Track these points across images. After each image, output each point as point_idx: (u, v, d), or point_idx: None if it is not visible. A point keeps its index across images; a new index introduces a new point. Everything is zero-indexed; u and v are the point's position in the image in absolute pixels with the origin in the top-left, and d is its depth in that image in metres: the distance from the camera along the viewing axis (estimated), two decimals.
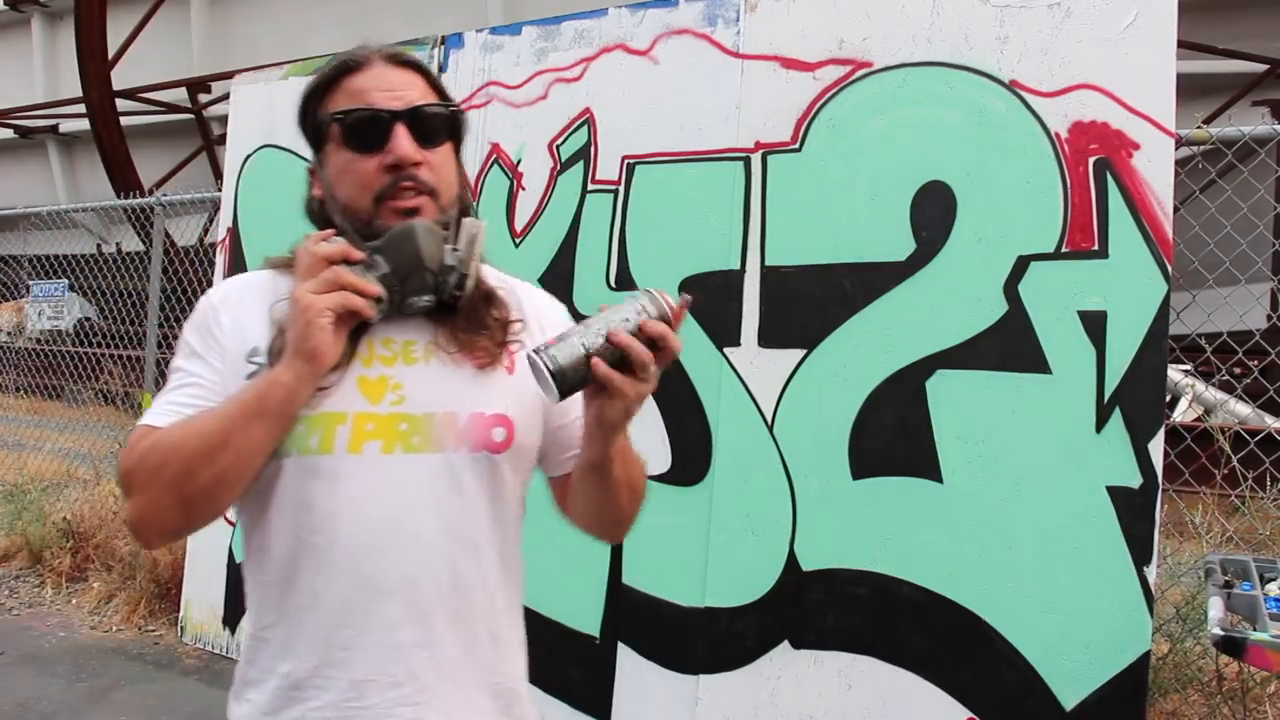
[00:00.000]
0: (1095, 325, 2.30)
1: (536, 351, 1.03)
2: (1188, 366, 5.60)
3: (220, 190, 4.25)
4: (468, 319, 1.16)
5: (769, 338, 2.71)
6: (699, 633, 2.73)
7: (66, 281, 6.92)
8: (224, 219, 4.07)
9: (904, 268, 2.52)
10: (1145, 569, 2.21)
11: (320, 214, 1.18)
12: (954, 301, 2.46)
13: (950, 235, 2.48)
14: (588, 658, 2.89)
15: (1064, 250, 2.35)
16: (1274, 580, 1.98)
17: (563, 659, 2.91)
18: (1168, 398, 2.69)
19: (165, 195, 5.28)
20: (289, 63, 4.03)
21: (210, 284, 4.16)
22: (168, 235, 5.37)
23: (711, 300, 2.78)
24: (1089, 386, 2.29)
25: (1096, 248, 2.32)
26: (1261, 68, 8.32)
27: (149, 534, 1.11)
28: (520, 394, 1.15)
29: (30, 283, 7.49)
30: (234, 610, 3.86)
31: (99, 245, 10.97)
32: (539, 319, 1.25)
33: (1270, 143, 2.69)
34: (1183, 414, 5.79)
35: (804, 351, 2.65)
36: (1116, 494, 2.25)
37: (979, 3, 2.47)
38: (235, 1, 13.27)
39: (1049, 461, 2.33)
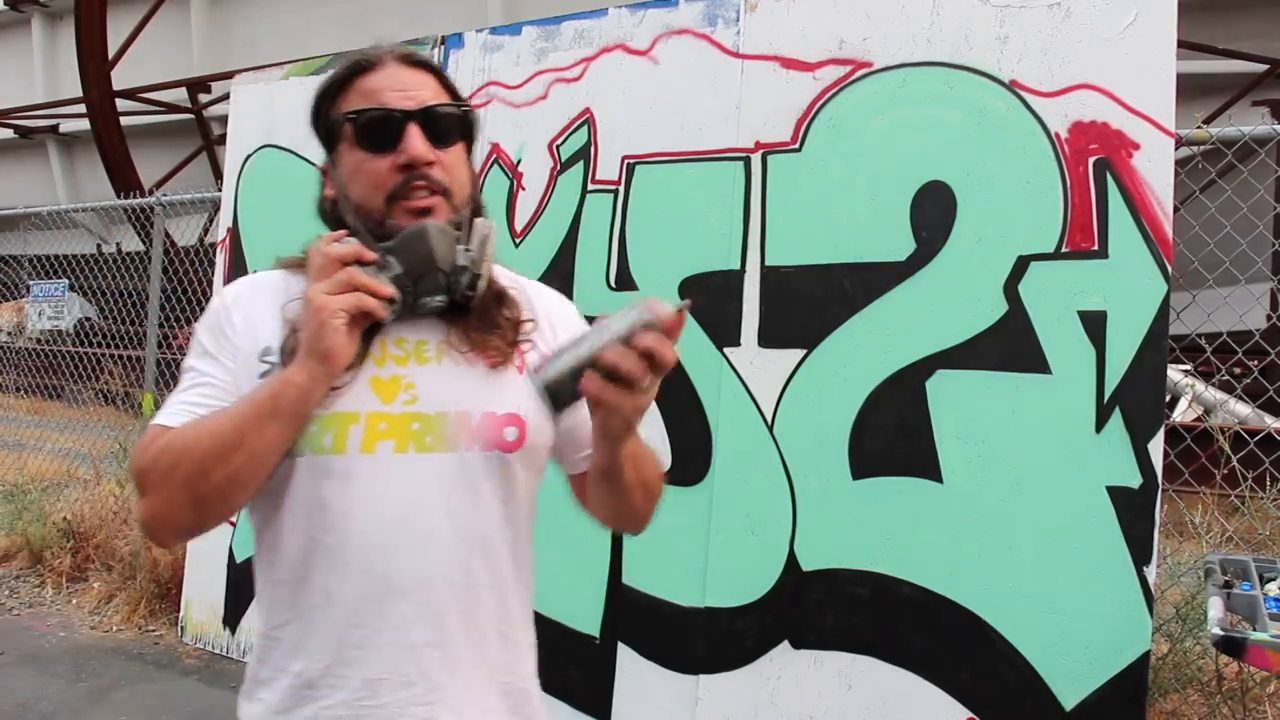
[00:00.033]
0: (1095, 325, 2.30)
1: (532, 370, 1.03)
2: (1188, 366, 5.60)
3: (220, 190, 4.25)
4: (480, 318, 1.16)
5: (769, 338, 2.71)
6: (699, 633, 2.73)
7: (66, 281, 6.93)
8: (224, 219, 4.07)
9: (904, 268, 2.52)
10: (1145, 569, 2.21)
11: (332, 214, 1.18)
12: (954, 301, 2.46)
13: (950, 235, 2.48)
14: (588, 658, 2.90)
15: (1064, 250, 2.35)
16: (1274, 580, 1.98)
17: (563, 659, 2.91)
18: (1168, 398, 2.69)
19: (165, 195, 5.28)
20: (289, 63, 4.03)
21: (210, 284, 4.17)
22: (168, 235, 5.37)
23: (711, 300, 2.78)
24: (1089, 386, 2.30)
25: (1096, 248, 2.32)
26: (1261, 68, 8.32)
27: (162, 533, 1.11)
28: (532, 393, 1.16)
29: (30, 283, 7.49)
30: (234, 610, 3.86)
31: (99, 245, 10.98)
32: (549, 318, 1.26)
33: (1270, 143, 2.69)
34: (1183, 414, 5.79)
35: (804, 351, 2.65)
36: (1116, 494, 2.26)
37: (979, 3, 2.47)
38: (235, 1, 13.27)
39: (1049, 461, 2.33)
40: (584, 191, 3.06)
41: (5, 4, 14.67)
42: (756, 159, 2.75)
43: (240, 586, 3.83)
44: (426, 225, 1.10)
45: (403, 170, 1.12)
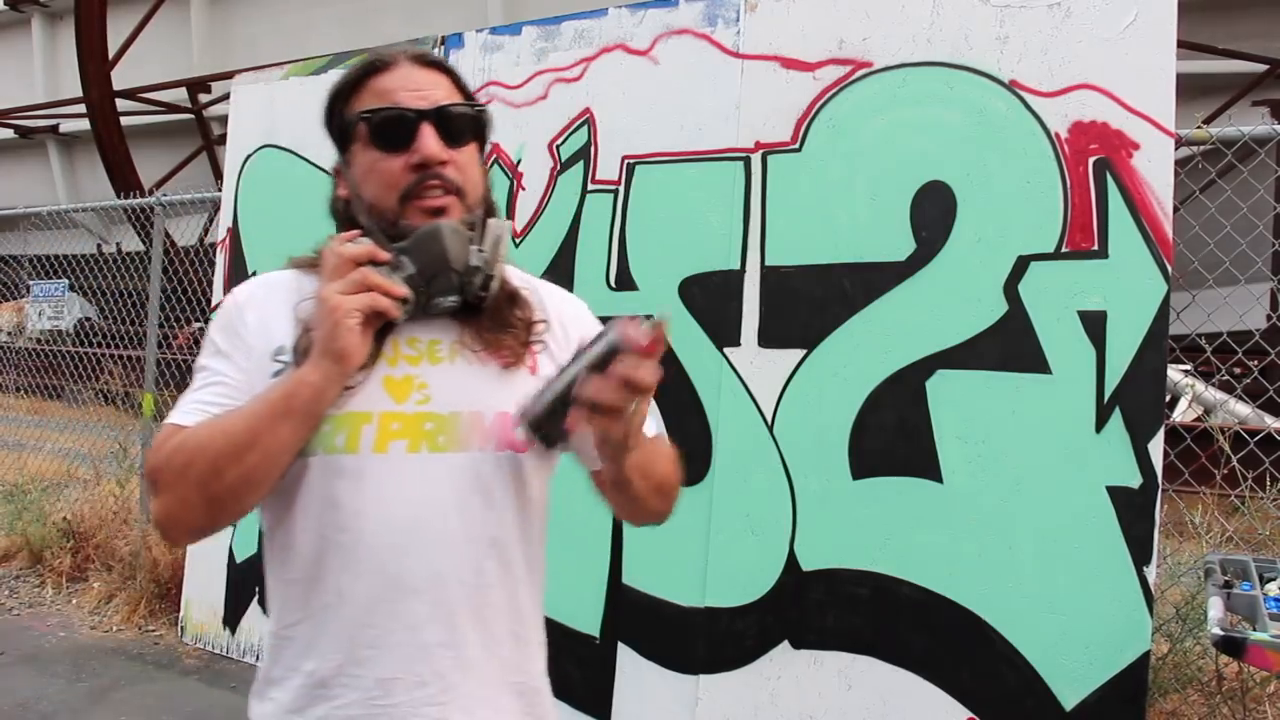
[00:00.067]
0: (1095, 325, 2.30)
1: (517, 414, 1.05)
2: (1188, 366, 5.60)
3: (220, 190, 4.25)
4: (492, 319, 1.17)
5: (769, 338, 2.71)
6: (699, 633, 2.73)
7: (66, 281, 6.92)
8: (224, 219, 4.07)
9: (904, 268, 2.52)
10: (1145, 569, 2.21)
11: (345, 214, 1.18)
12: (954, 301, 2.46)
13: (950, 235, 2.48)
14: (588, 658, 2.90)
15: (1064, 250, 2.35)
16: (1274, 580, 1.98)
17: (563, 659, 2.91)
18: (1168, 398, 2.69)
19: (165, 195, 5.28)
20: (289, 63, 4.03)
21: (210, 284, 4.17)
22: (168, 235, 5.37)
23: (711, 300, 2.78)
24: (1089, 386, 2.30)
25: (1096, 248, 2.32)
26: (1261, 68, 8.32)
27: (176, 532, 1.11)
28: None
29: (30, 283, 7.49)
30: (234, 610, 3.86)
31: (99, 245, 10.99)
32: (561, 318, 1.26)
33: (1270, 143, 2.68)
34: (1183, 414, 5.79)
35: (804, 351, 2.65)
36: (1116, 494, 2.26)
37: (979, 3, 2.47)
38: (235, 1, 13.27)
39: (1049, 461, 2.33)
40: (584, 191, 3.06)
41: (5, 4, 14.67)
42: (756, 159, 2.76)
43: (240, 586, 3.83)
44: (440, 225, 1.10)
45: (416, 169, 1.12)
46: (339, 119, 1.19)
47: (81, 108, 11.98)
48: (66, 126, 14.68)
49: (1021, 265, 2.39)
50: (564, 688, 2.90)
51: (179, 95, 13.02)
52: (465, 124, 1.17)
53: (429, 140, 1.12)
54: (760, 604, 2.66)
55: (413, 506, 1.10)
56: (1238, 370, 3.92)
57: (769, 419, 2.68)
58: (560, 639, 2.91)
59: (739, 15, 2.82)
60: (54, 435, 6.57)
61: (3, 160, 15.99)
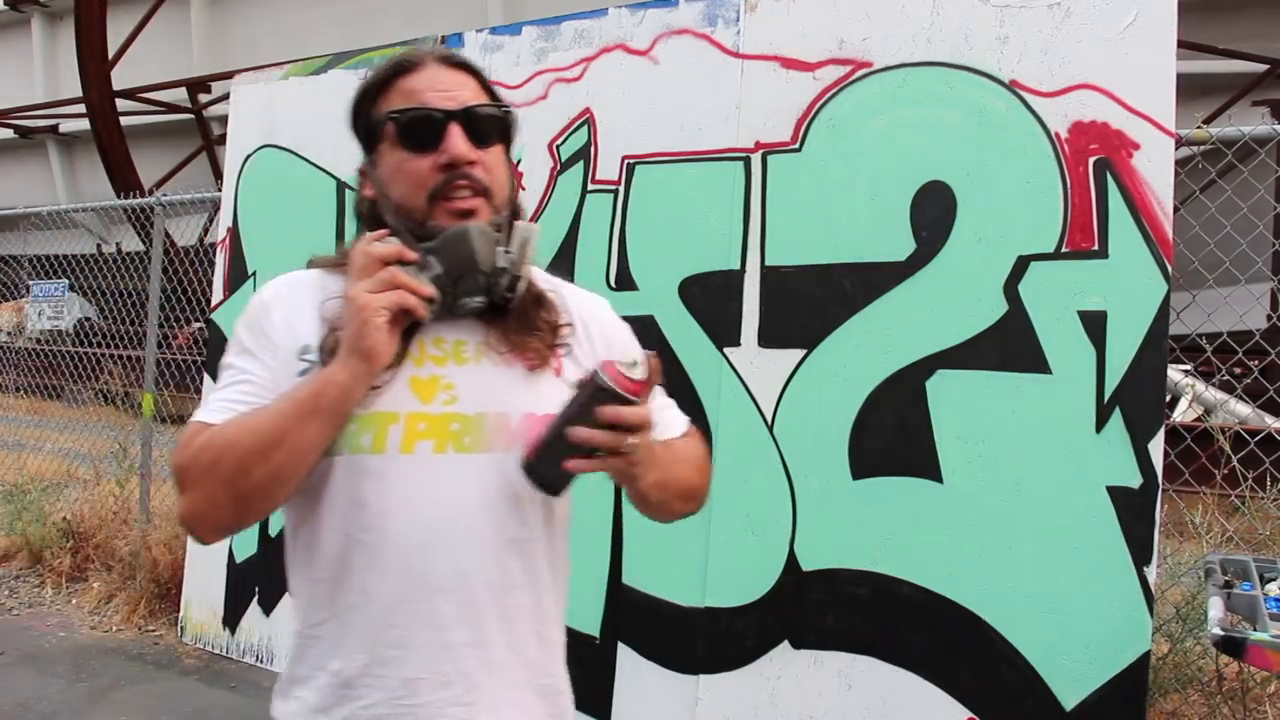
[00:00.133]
0: (1095, 325, 2.30)
1: (522, 462, 1.07)
2: (1188, 366, 5.60)
3: (220, 190, 4.25)
4: (519, 320, 1.17)
5: (769, 338, 2.71)
6: (699, 633, 2.73)
7: (66, 281, 6.92)
8: (224, 219, 4.07)
9: (904, 268, 2.52)
10: (1145, 569, 2.21)
11: (370, 214, 1.19)
12: (954, 301, 2.46)
13: (950, 235, 2.48)
14: (588, 658, 2.89)
15: (1064, 250, 2.35)
16: (1274, 580, 1.98)
17: None
18: (1168, 398, 2.69)
19: (165, 195, 5.28)
20: (289, 63, 4.03)
21: (210, 284, 4.17)
22: (168, 235, 5.37)
23: (711, 300, 2.78)
24: (1089, 386, 2.30)
25: (1096, 248, 2.32)
26: (1261, 68, 8.32)
27: (203, 530, 1.11)
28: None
29: (30, 283, 7.49)
30: (234, 610, 3.86)
31: (99, 245, 10.99)
32: (583, 320, 1.27)
33: (1270, 143, 2.68)
34: (1183, 414, 5.79)
35: (804, 351, 2.65)
36: (1116, 494, 2.26)
37: (979, 3, 2.47)
38: (235, 1, 13.28)
39: (1049, 461, 2.33)
40: (584, 191, 3.06)
41: (5, 4, 14.67)
42: (756, 159, 2.76)
43: (240, 587, 3.83)
44: (468, 226, 1.11)
45: (444, 170, 1.12)
46: (365, 119, 1.19)
47: (81, 108, 11.99)
48: (66, 126, 14.68)
49: (1021, 265, 2.39)
50: None
51: (179, 95, 13.02)
52: (492, 125, 1.17)
53: (457, 140, 1.12)
54: (760, 604, 2.66)
55: (439, 507, 1.10)
56: (1238, 370, 3.92)
57: (769, 419, 2.68)
58: None
59: (739, 15, 2.82)
60: (54, 435, 6.57)
61: (3, 160, 16.00)
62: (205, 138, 13.18)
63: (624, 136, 2.99)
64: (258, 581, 3.76)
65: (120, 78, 11.82)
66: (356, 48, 3.86)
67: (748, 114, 2.78)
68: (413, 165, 1.13)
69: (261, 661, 3.74)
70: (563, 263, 3.05)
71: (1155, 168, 2.27)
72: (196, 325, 7.18)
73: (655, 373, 1.03)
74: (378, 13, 11.60)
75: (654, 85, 2.94)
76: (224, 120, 5.32)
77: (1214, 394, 5.64)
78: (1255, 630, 1.74)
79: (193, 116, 13.14)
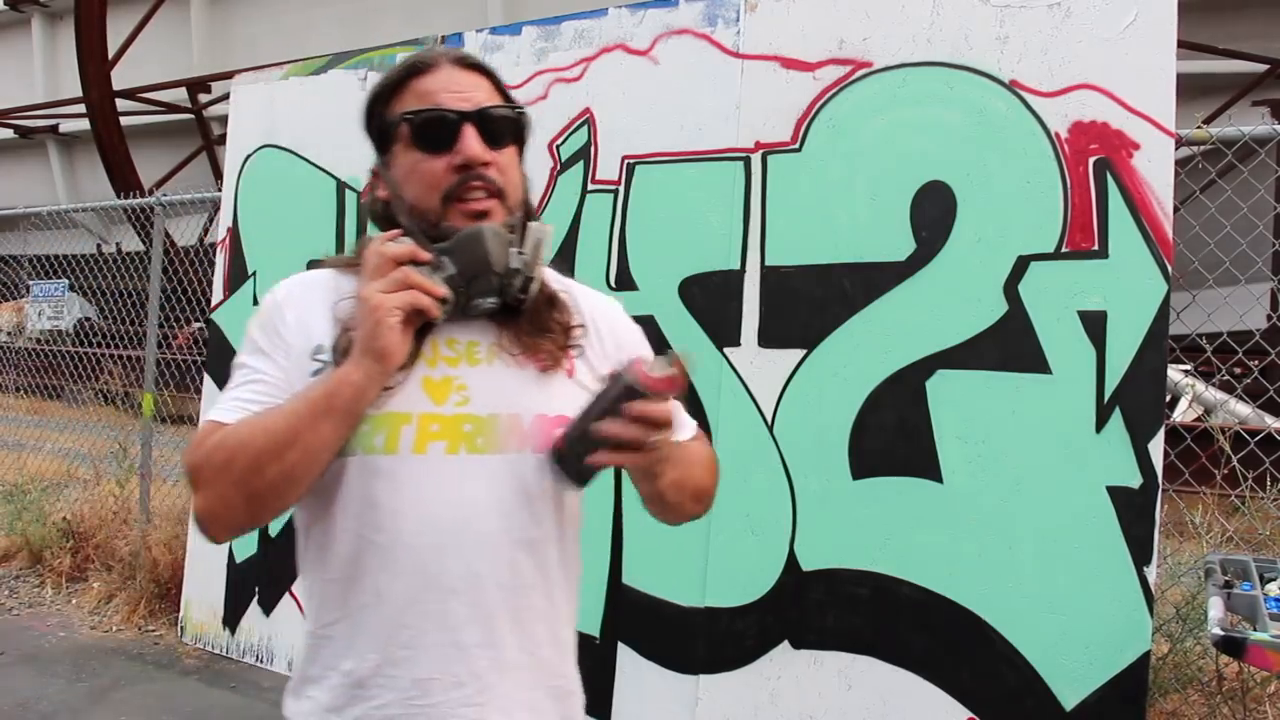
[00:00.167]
0: (1095, 325, 2.30)
1: (549, 454, 1.08)
2: (1188, 366, 5.60)
3: (220, 190, 4.25)
4: (531, 321, 1.18)
5: (769, 338, 2.71)
6: (699, 633, 2.73)
7: (66, 281, 6.92)
8: (224, 219, 4.07)
9: (904, 268, 2.52)
10: (1145, 569, 2.21)
11: (383, 215, 1.19)
12: (954, 301, 2.46)
13: (950, 235, 2.48)
14: (588, 658, 2.89)
15: (1064, 250, 2.35)
16: (1274, 580, 1.98)
17: None
18: (1168, 398, 2.69)
19: (165, 195, 5.28)
20: (289, 63, 4.03)
21: (210, 284, 4.17)
22: (168, 235, 5.36)
23: (711, 300, 2.78)
24: (1089, 386, 2.30)
25: (1096, 248, 2.32)
26: (1261, 68, 8.32)
27: (216, 529, 1.11)
28: (580, 397, 1.17)
29: (30, 283, 7.49)
30: (234, 610, 3.86)
31: (99, 245, 10.99)
32: (595, 321, 1.27)
33: (1270, 143, 2.68)
34: (1183, 414, 5.79)
35: (804, 351, 2.65)
36: (1116, 494, 2.26)
37: (979, 3, 2.47)
38: (235, 1, 13.28)
39: (1049, 461, 2.33)
40: (584, 191, 3.06)
41: (5, 4, 14.68)
42: (756, 159, 2.76)
43: (240, 587, 3.83)
44: (482, 228, 1.11)
45: (459, 170, 1.13)
46: (379, 120, 1.19)
47: (81, 108, 11.99)
48: (66, 126, 14.69)
49: (1021, 265, 2.39)
50: None
51: (179, 95, 13.03)
52: (506, 126, 1.18)
53: (471, 141, 1.12)
54: (760, 604, 2.67)
55: (451, 508, 1.10)
56: (1238, 370, 3.92)
57: (769, 419, 2.68)
58: None
59: (739, 15, 2.82)
60: (54, 435, 6.57)
61: (3, 160, 16.00)
62: (205, 138, 13.18)
63: (624, 136, 2.99)
64: (258, 581, 3.77)
65: (120, 78, 11.83)
66: (356, 48, 3.85)
67: (748, 114, 2.78)
68: (427, 166, 1.13)
69: (261, 661, 3.74)
70: (563, 263, 3.01)
71: (1155, 168, 2.27)
72: (196, 325, 7.18)
73: (683, 371, 1.03)
74: (378, 13, 11.60)
75: (654, 85, 2.94)
76: (224, 120, 5.32)
77: (1214, 394, 5.64)
78: (1255, 630, 1.74)
79: (193, 116, 13.14)
